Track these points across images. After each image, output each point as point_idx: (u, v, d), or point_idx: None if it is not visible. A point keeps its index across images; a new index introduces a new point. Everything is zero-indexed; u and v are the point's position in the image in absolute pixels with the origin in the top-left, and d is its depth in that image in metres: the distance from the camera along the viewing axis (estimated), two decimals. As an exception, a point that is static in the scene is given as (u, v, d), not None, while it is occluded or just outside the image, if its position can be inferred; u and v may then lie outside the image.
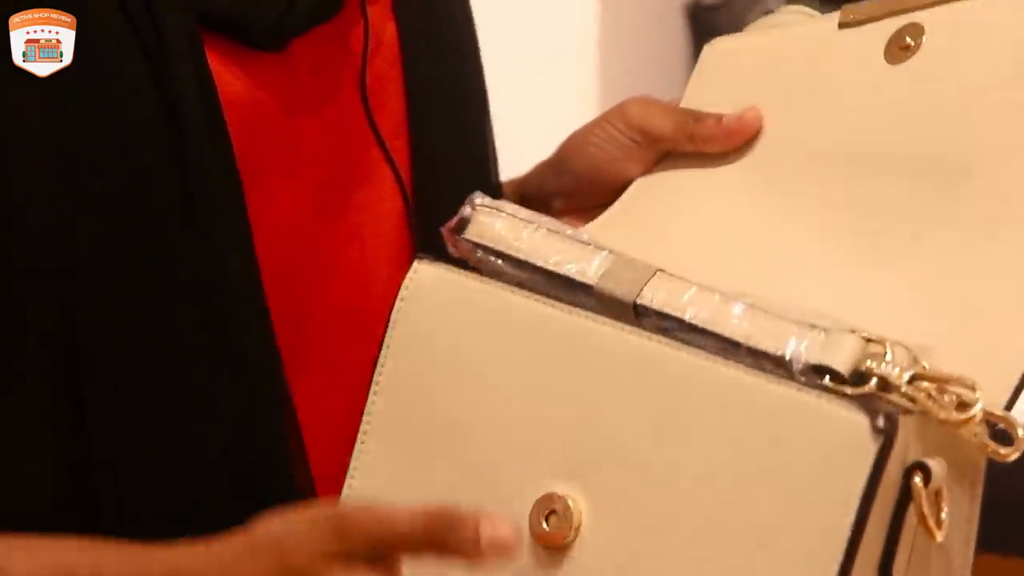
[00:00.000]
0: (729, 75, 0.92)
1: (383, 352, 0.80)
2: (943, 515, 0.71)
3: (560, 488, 0.75)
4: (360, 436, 0.79)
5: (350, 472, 0.80)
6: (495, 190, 0.93)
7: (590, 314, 0.79)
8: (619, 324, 0.80)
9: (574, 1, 1.79)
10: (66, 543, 0.77)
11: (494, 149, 0.97)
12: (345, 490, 0.79)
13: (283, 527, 0.70)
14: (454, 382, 0.81)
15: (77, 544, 0.77)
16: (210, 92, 0.80)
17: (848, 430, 0.70)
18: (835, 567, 0.69)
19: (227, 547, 0.71)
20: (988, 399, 0.68)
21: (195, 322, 0.80)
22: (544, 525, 0.73)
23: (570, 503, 0.74)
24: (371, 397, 0.80)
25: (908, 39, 0.84)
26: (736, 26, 1.81)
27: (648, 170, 0.89)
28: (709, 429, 0.76)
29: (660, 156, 0.89)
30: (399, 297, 0.81)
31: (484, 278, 0.81)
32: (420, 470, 0.79)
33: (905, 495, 0.71)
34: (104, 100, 0.80)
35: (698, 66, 0.93)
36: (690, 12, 1.93)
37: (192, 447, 0.80)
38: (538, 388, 0.79)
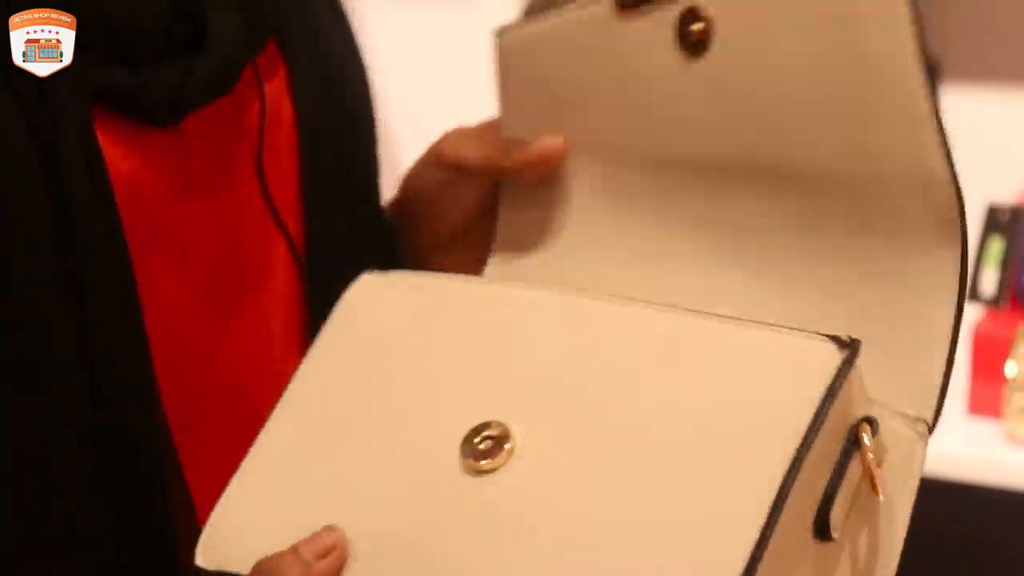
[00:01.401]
0: (534, 78, 0.88)
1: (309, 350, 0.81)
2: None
3: (496, 416, 0.74)
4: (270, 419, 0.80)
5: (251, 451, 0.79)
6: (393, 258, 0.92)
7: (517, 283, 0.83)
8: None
9: None
10: None
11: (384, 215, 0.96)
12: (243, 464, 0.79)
13: None
14: (381, 353, 0.81)
15: None
16: (99, 171, 0.78)
17: (811, 348, 0.72)
18: (774, 488, 0.66)
19: None
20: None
21: (80, 401, 0.78)
22: (480, 446, 0.73)
23: (508, 427, 0.73)
24: (289, 385, 0.80)
25: (694, 28, 0.80)
26: None
27: (482, 196, 0.90)
28: (649, 357, 0.77)
29: (490, 182, 0.89)
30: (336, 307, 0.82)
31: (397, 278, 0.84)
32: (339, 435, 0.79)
33: (851, 444, 0.71)
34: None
35: (498, 68, 0.89)
36: None
37: (75, 531, 0.79)
38: (469, 341, 0.80)
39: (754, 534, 0.65)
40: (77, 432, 0.78)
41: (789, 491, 0.66)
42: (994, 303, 1.72)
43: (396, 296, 0.83)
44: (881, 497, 0.71)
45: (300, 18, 0.90)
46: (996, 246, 1.73)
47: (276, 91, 0.87)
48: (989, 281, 1.72)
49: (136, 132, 0.81)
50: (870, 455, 0.71)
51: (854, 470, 0.71)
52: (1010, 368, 1.63)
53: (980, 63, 1.93)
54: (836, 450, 0.71)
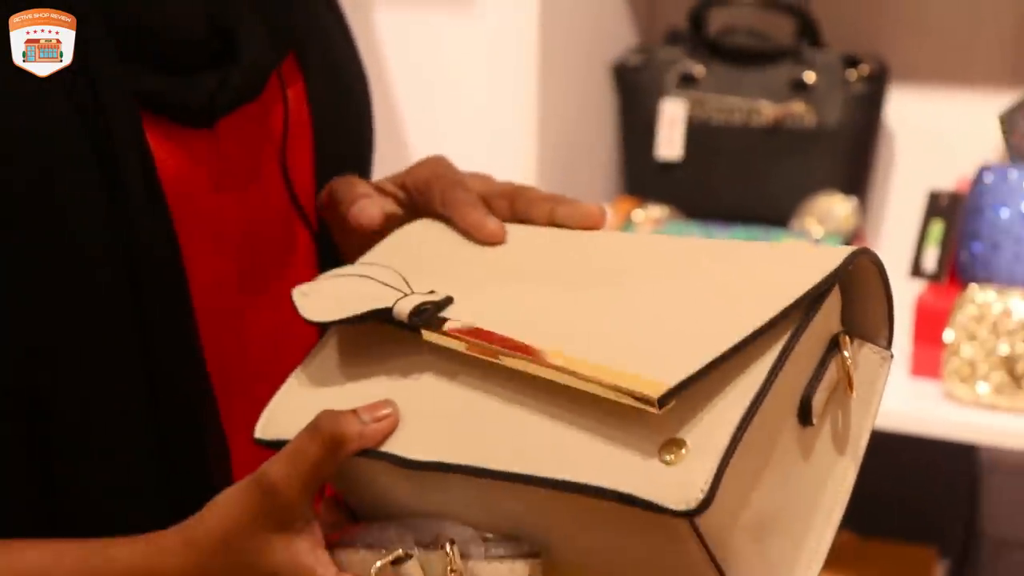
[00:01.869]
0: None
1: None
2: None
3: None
4: None
5: None
6: None
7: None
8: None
9: (514, 61, 1.76)
10: (23, 543, 0.77)
11: None
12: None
13: (220, 521, 0.73)
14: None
15: (34, 544, 0.77)
16: (149, 166, 0.78)
17: (822, 248, 0.78)
18: (776, 352, 0.69)
19: (186, 556, 0.74)
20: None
21: (135, 360, 0.78)
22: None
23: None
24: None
25: None
26: (656, 84, 1.83)
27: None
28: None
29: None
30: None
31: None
32: None
33: (831, 350, 0.74)
34: (47, 186, 0.76)
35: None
36: (616, 72, 1.93)
37: (137, 479, 0.79)
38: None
39: (754, 391, 0.68)
40: (133, 387, 0.78)
41: (783, 366, 0.69)
42: (935, 278, 1.70)
43: (436, 231, 0.85)
44: (855, 394, 0.75)
45: (314, 33, 0.92)
46: (937, 228, 1.71)
47: (296, 97, 0.89)
48: (930, 259, 1.70)
49: (178, 132, 0.81)
50: (848, 357, 0.74)
51: (833, 372, 0.74)
52: (948, 335, 1.61)
53: (923, 66, 1.90)
54: (819, 351, 0.74)
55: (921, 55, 1.90)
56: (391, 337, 0.78)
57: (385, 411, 0.73)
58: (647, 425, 0.67)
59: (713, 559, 0.68)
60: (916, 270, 1.70)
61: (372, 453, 0.73)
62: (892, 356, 0.80)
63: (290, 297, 0.83)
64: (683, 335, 0.71)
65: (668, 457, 0.66)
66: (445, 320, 0.76)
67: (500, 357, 0.73)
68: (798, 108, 1.81)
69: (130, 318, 0.78)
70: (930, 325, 1.65)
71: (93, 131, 0.77)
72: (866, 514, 1.83)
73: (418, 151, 2.01)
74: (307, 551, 0.72)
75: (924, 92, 1.90)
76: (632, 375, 0.68)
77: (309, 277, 0.86)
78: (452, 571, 0.71)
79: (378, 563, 0.72)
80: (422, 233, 0.85)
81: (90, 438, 0.78)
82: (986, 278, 1.64)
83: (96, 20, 0.78)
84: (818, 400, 0.73)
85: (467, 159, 2.02)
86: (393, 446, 0.73)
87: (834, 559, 1.97)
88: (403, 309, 0.76)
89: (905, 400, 1.64)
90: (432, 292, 0.77)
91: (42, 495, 0.78)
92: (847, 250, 0.74)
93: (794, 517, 0.74)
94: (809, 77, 1.81)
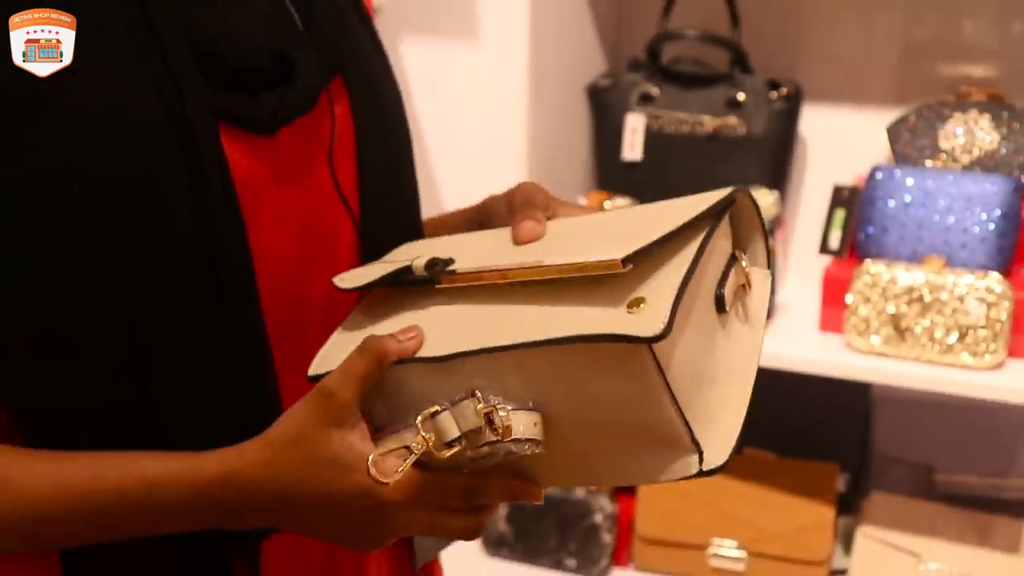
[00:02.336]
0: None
1: None
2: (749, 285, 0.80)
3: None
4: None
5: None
6: (419, 230, 0.95)
7: None
8: None
9: (510, 81, 1.77)
10: (129, 454, 0.75)
11: (418, 196, 0.96)
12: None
13: (290, 422, 0.74)
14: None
15: (139, 454, 0.76)
16: (224, 167, 0.77)
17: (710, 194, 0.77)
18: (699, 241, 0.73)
19: (264, 453, 0.74)
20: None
21: (213, 321, 0.77)
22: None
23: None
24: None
25: None
26: (621, 102, 1.85)
27: None
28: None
29: None
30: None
31: None
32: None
33: (732, 261, 0.78)
34: (150, 179, 0.74)
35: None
36: (588, 90, 1.95)
37: (210, 402, 0.78)
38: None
39: (687, 263, 0.72)
40: (209, 332, 0.77)
41: (705, 248, 0.74)
42: (838, 254, 1.75)
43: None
44: (752, 292, 0.80)
45: (356, 57, 0.90)
46: (840, 214, 1.75)
47: (342, 112, 0.87)
48: (835, 239, 1.75)
49: (248, 139, 0.80)
50: (744, 265, 0.79)
51: (734, 278, 0.78)
52: (848, 298, 1.69)
53: (829, 88, 1.91)
54: (723, 262, 0.78)
55: (828, 80, 1.91)
56: (409, 295, 0.80)
57: (413, 333, 0.75)
58: (614, 292, 0.70)
59: (669, 389, 0.70)
60: (824, 248, 1.75)
61: (406, 361, 0.75)
62: (771, 275, 0.84)
63: (335, 271, 0.85)
64: (628, 234, 0.73)
65: (633, 310, 0.69)
66: (453, 272, 0.78)
67: (498, 279, 0.75)
68: (732, 121, 1.82)
69: (210, 284, 0.77)
70: (834, 291, 1.71)
71: (182, 137, 0.75)
72: (783, 439, 1.96)
73: (435, 155, 2.05)
74: (359, 440, 0.74)
75: (830, 108, 1.92)
76: (596, 259, 0.71)
77: (352, 255, 0.88)
78: (482, 413, 0.72)
79: (418, 418, 0.73)
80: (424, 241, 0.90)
81: (176, 365, 0.76)
82: (877, 254, 1.70)
83: (182, 47, 0.76)
84: (728, 292, 0.76)
85: (472, 161, 2.09)
86: (421, 352, 0.75)
87: (756, 474, 2.04)
88: (419, 264, 0.78)
89: (814, 350, 1.71)
90: (435, 257, 0.79)
91: (138, 409, 0.76)
92: (732, 188, 0.78)
93: (722, 375, 0.76)
94: (741, 96, 1.83)
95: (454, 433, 0.72)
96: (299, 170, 0.84)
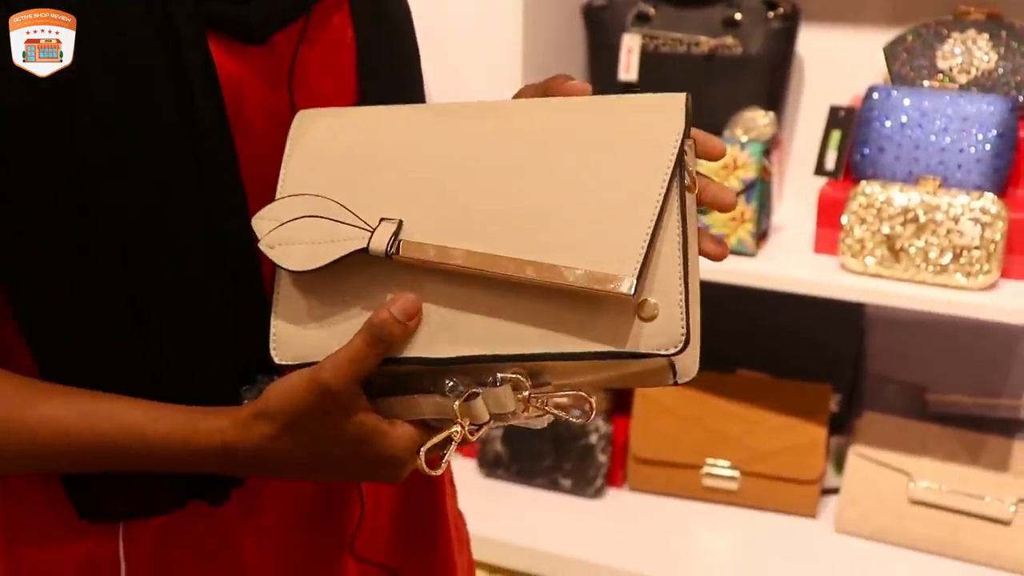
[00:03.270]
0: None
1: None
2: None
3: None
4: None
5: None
6: None
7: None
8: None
9: (504, 4, 1.78)
10: (127, 400, 0.76)
11: None
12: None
13: (294, 411, 0.72)
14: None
15: (133, 401, 0.76)
16: (211, 72, 0.76)
17: (671, 99, 0.75)
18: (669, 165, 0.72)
19: (265, 428, 0.73)
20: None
21: (197, 214, 0.76)
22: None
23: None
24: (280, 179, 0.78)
25: None
26: (617, 22, 1.83)
27: None
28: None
29: None
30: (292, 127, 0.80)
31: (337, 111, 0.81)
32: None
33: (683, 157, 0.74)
34: (134, 83, 0.73)
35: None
36: (584, 10, 1.94)
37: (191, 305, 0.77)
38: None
39: (678, 243, 0.71)
40: (194, 239, 0.76)
41: (685, 216, 0.73)
42: (834, 175, 1.75)
43: (330, 123, 0.80)
44: (697, 191, 0.77)
45: None
46: (836, 135, 1.75)
47: (341, 21, 0.85)
48: (831, 160, 1.75)
49: (237, 46, 0.78)
50: (691, 167, 0.76)
51: (689, 180, 0.75)
52: (843, 220, 1.69)
53: (827, 8, 1.89)
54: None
55: None
56: (355, 265, 0.74)
57: (414, 311, 0.72)
58: (617, 297, 0.70)
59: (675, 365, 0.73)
60: (819, 169, 1.75)
61: (400, 360, 0.73)
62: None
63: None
64: (607, 214, 0.71)
65: (644, 315, 0.70)
66: (412, 244, 0.73)
67: (474, 269, 0.72)
68: (729, 41, 1.82)
69: (194, 181, 0.76)
70: (830, 212, 1.72)
71: (168, 44, 0.74)
72: (778, 359, 1.98)
73: (430, 78, 2.02)
74: (363, 417, 0.73)
75: (827, 28, 1.90)
76: (602, 274, 0.69)
77: None
78: (527, 399, 0.72)
79: (456, 403, 0.71)
80: (319, 137, 0.79)
81: (163, 262, 0.75)
82: (873, 175, 1.70)
83: None
84: (688, 183, 0.75)
85: (468, 83, 2.08)
86: (419, 350, 0.72)
87: (750, 394, 2.08)
88: (379, 246, 0.73)
89: (809, 271, 1.72)
90: (383, 220, 0.74)
91: (127, 306, 0.75)
92: (679, 104, 0.74)
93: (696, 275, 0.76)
94: (737, 16, 1.82)
95: (486, 417, 0.73)
96: (294, 76, 0.82)
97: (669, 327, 0.70)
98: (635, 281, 0.69)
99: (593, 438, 2.00)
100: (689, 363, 0.74)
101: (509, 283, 0.72)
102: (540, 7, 1.81)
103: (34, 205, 0.73)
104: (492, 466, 2.07)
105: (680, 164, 0.73)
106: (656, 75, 1.86)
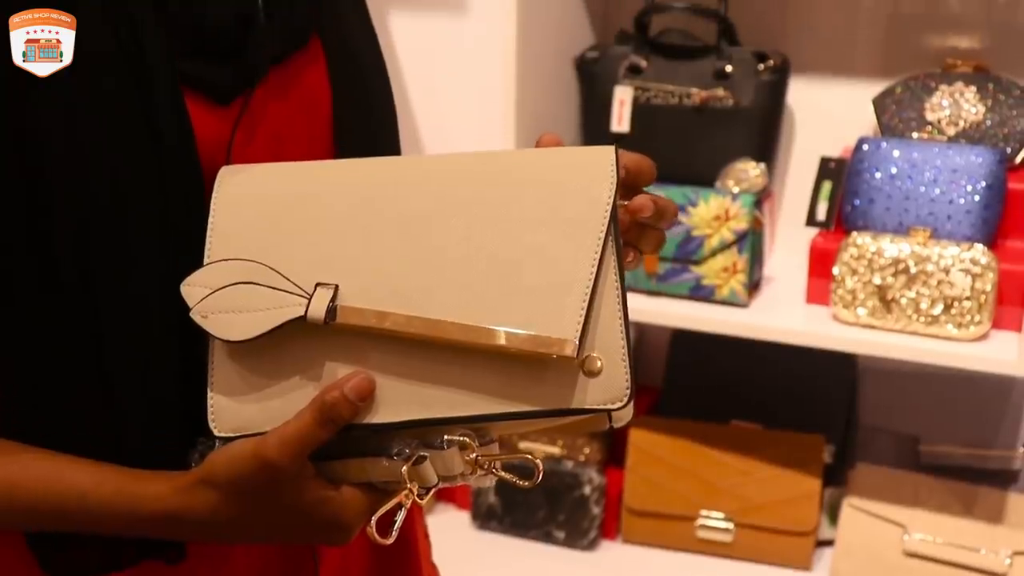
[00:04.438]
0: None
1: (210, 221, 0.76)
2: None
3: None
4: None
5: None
6: None
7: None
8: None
9: (498, 54, 1.78)
10: (67, 460, 0.75)
11: None
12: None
13: (236, 476, 0.71)
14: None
15: (79, 462, 0.75)
16: (186, 128, 0.76)
17: (601, 153, 0.76)
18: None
19: (209, 497, 0.72)
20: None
21: (167, 287, 0.74)
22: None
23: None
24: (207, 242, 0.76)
25: None
26: (609, 74, 1.85)
27: None
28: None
29: None
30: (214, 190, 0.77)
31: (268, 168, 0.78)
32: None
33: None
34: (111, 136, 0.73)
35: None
36: (576, 62, 1.95)
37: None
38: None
39: (617, 297, 0.72)
40: (158, 303, 0.75)
41: (621, 265, 0.73)
42: (825, 226, 1.76)
43: (253, 181, 0.78)
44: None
45: (334, 24, 0.88)
46: (826, 186, 1.76)
47: (317, 76, 0.85)
48: (822, 211, 1.76)
49: (209, 104, 0.78)
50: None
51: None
52: (835, 270, 1.70)
53: (816, 60, 1.91)
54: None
55: (815, 52, 1.92)
56: (288, 332, 0.73)
57: (367, 390, 0.71)
58: (561, 358, 0.71)
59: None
60: (811, 220, 1.76)
61: (357, 427, 0.72)
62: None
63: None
64: (545, 275, 0.72)
65: (590, 370, 0.71)
66: (351, 309, 0.72)
67: (416, 333, 0.71)
68: (720, 93, 1.82)
69: (157, 244, 0.75)
70: (821, 263, 1.73)
71: (144, 101, 0.73)
72: (771, 410, 1.98)
73: (423, 129, 2.06)
74: (310, 486, 0.72)
75: (817, 80, 1.92)
76: (545, 337, 0.70)
77: None
78: (471, 461, 0.72)
79: (404, 467, 0.70)
80: (244, 196, 0.77)
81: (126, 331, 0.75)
82: (864, 226, 1.71)
83: (146, 11, 0.74)
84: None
85: (460, 134, 2.10)
86: (366, 416, 0.71)
87: (743, 445, 2.08)
88: (317, 313, 0.71)
89: (801, 321, 1.73)
90: (319, 285, 0.73)
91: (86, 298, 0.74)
92: (609, 159, 0.74)
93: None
94: (728, 68, 1.83)
95: (434, 480, 0.72)
96: (268, 131, 0.82)
97: (613, 382, 0.71)
98: (578, 343, 0.70)
99: (586, 490, 1.99)
100: (625, 411, 0.74)
101: (451, 346, 0.72)
102: (533, 59, 1.82)
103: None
104: (485, 518, 2.06)
105: (614, 218, 0.74)
106: (648, 126, 1.87)
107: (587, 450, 2.04)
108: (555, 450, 2.04)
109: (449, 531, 2.05)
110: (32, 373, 0.76)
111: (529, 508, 2.02)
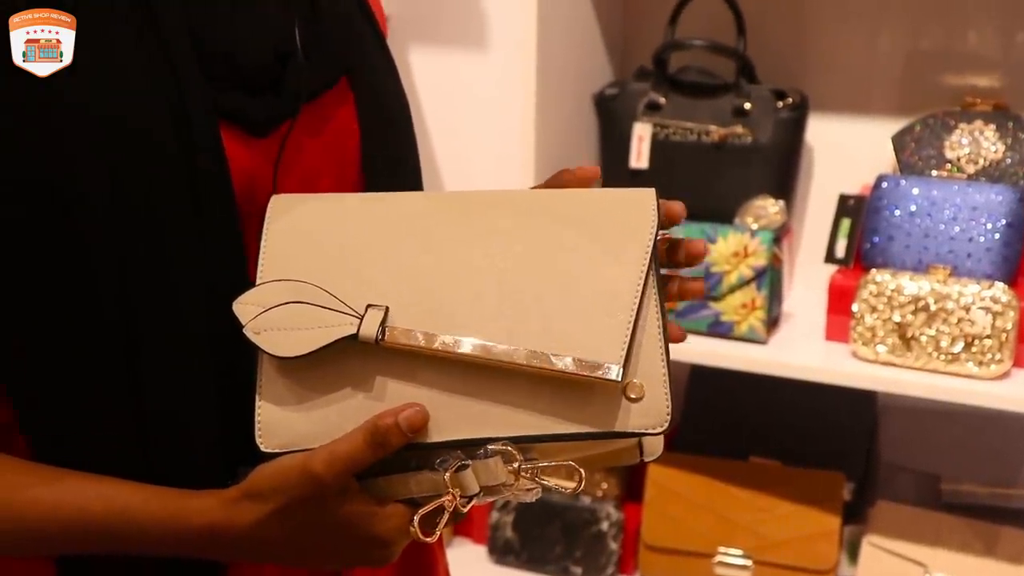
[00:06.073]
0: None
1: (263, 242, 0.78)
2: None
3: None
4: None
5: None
6: None
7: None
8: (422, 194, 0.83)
9: (518, 91, 1.78)
10: (110, 481, 0.76)
11: None
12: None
13: (281, 490, 0.72)
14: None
15: (122, 482, 0.76)
16: (221, 159, 0.77)
17: (642, 193, 0.79)
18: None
19: (254, 511, 0.73)
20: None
21: (204, 324, 0.76)
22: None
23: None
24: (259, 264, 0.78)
25: None
26: (628, 110, 1.86)
27: None
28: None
29: None
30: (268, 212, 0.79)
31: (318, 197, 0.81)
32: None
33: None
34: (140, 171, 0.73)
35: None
36: (596, 99, 1.96)
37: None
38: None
39: (658, 326, 0.76)
40: (200, 341, 0.77)
41: (664, 298, 0.77)
42: (844, 263, 1.76)
43: (305, 209, 0.80)
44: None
45: (362, 62, 0.90)
46: (845, 223, 1.76)
47: (347, 113, 0.88)
48: (841, 248, 1.76)
49: (244, 136, 0.80)
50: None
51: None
52: (854, 307, 1.70)
53: (835, 98, 1.92)
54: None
55: (833, 89, 1.92)
56: (340, 350, 0.74)
57: (419, 420, 0.72)
58: (606, 382, 0.73)
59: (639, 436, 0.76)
60: (830, 257, 1.76)
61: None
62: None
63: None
64: (591, 302, 0.74)
65: (632, 396, 0.74)
66: (401, 330, 0.73)
67: (465, 355, 0.72)
68: (739, 130, 1.83)
69: (202, 272, 0.76)
70: (840, 300, 1.72)
71: (181, 134, 0.74)
72: (790, 447, 1.97)
73: (443, 164, 2.07)
74: (353, 503, 0.73)
75: (836, 118, 1.92)
76: (591, 361, 0.72)
77: None
78: (513, 470, 0.72)
79: (446, 474, 0.72)
80: (296, 222, 0.79)
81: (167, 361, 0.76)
82: (883, 263, 1.71)
83: (185, 46, 0.75)
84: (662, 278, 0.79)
85: (480, 170, 2.11)
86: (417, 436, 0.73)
87: (762, 482, 2.07)
88: (369, 332, 0.73)
89: (821, 358, 1.72)
90: (370, 306, 0.74)
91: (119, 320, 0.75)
92: (651, 199, 0.78)
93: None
94: (747, 106, 1.83)
95: (476, 487, 0.73)
96: (300, 172, 0.84)
97: (655, 407, 0.74)
98: (622, 367, 0.73)
99: (604, 525, 1.98)
100: (656, 442, 0.79)
101: (497, 368, 0.73)
102: (552, 96, 1.83)
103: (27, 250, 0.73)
104: (502, 553, 2.05)
105: (655, 253, 0.77)
106: (666, 163, 1.87)
107: (605, 485, 2.03)
108: (571, 485, 2.03)
109: (466, 565, 2.04)
110: (69, 397, 0.76)
111: (546, 543, 2.01)
